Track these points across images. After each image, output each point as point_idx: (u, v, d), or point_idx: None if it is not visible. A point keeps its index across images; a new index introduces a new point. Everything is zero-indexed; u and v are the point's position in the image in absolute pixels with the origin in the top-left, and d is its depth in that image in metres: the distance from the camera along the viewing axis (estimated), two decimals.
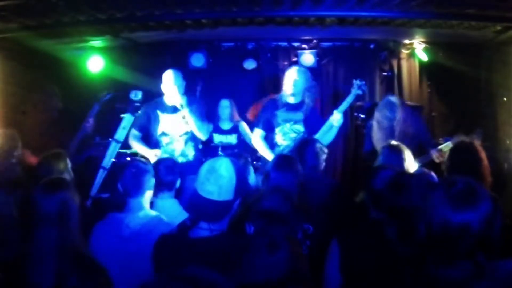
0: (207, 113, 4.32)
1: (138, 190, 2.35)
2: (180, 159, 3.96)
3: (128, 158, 5.08)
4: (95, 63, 5.41)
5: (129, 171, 2.39)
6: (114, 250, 2.08)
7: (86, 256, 1.83)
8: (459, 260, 1.29)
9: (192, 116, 3.89)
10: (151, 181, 2.44)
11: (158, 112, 4.02)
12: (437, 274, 1.31)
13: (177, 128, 4.00)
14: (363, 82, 3.99)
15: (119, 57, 5.56)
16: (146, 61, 5.59)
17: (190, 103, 3.93)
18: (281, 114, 3.96)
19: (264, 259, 1.46)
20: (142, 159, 2.70)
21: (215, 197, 1.71)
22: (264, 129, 4.03)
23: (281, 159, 2.49)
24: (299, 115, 3.95)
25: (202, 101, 4.42)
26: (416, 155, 3.76)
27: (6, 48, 4.35)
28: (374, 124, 4.03)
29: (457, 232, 1.27)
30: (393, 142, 3.18)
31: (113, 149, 4.19)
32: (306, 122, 3.95)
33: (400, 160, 2.93)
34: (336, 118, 3.87)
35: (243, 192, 1.81)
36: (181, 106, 3.85)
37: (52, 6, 3.57)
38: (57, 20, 4.02)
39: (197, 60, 5.68)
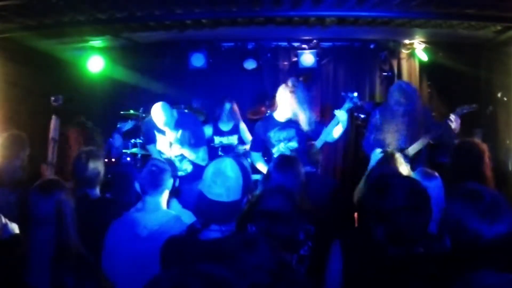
0: (206, 120, 4.39)
1: (156, 189, 2.32)
2: (180, 173, 3.96)
3: (128, 158, 5.12)
4: (95, 63, 5.41)
5: (148, 170, 2.36)
6: (131, 250, 2.07)
7: (83, 256, 1.83)
8: (490, 272, 1.28)
9: (185, 148, 3.92)
10: (170, 180, 2.41)
11: (155, 131, 4.09)
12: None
13: (171, 149, 4.04)
14: (356, 95, 3.92)
15: (119, 57, 5.57)
16: (146, 61, 5.59)
17: (182, 126, 3.93)
18: (274, 135, 3.93)
19: (246, 260, 1.44)
20: (161, 159, 2.66)
21: (224, 198, 1.71)
22: (260, 151, 4.07)
23: (282, 159, 2.48)
24: (291, 132, 3.91)
25: (195, 118, 4.43)
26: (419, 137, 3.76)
27: (6, 48, 4.34)
28: (382, 113, 3.94)
29: (489, 244, 1.27)
30: (386, 149, 3.16)
31: (53, 147, 4.27)
32: (299, 137, 3.90)
33: (392, 166, 2.90)
34: (342, 114, 3.81)
35: (249, 190, 1.80)
36: (171, 144, 3.91)
37: (52, 6, 3.58)
38: (57, 20, 4.02)
39: (197, 60, 5.68)
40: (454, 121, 3.71)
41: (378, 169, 2.78)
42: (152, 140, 4.15)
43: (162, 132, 3.98)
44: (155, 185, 2.32)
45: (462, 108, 3.79)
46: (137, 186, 2.38)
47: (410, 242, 1.68)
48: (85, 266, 1.79)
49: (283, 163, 2.37)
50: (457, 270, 1.33)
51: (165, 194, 2.39)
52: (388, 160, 2.94)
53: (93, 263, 1.84)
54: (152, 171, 2.35)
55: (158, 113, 3.81)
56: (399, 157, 2.96)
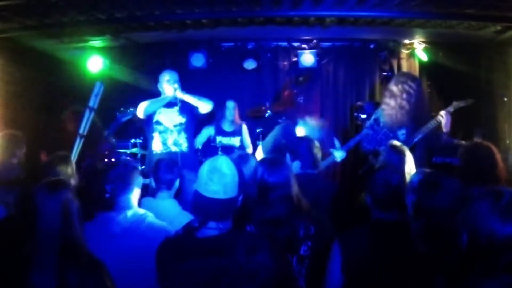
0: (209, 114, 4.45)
1: (126, 188, 2.35)
2: (174, 148, 4.14)
3: (128, 158, 5.12)
4: (95, 63, 5.42)
5: (116, 170, 2.39)
6: (105, 249, 2.08)
7: (88, 254, 1.84)
8: (501, 273, 1.30)
9: (189, 95, 4.10)
10: (139, 179, 2.44)
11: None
12: (478, 285, 1.31)
13: (171, 120, 4.17)
14: (338, 144, 4.07)
15: (119, 57, 5.57)
16: (146, 61, 5.60)
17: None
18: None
19: (244, 261, 1.44)
20: (128, 158, 2.68)
21: (221, 196, 1.71)
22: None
23: (269, 161, 2.32)
24: None
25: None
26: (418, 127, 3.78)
27: (6, 48, 4.35)
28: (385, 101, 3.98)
29: (503, 244, 1.29)
30: (395, 142, 3.17)
31: (88, 116, 4.44)
32: None
33: (401, 160, 2.92)
34: (340, 155, 3.98)
35: (244, 187, 1.80)
36: (175, 90, 4.03)
37: (52, 6, 3.58)
38: (57, 20, 4.03)
39: (197, 60, 5.68)
40: (444, 117, 3.74)
41: (389, 162, 2.81)
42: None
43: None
44: (124, 184, 2.34)
45: (458, 102, 3.82)
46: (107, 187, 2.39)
47: (445, 241, 1.69)
48: (89, 264, 1.80)
49: (271, 165, 2.20)
50: (471, 269, 1.34)
51: (135, 193, 2.40)
52: (397, 152, 2.96)
53: (97, 261, 1.85)
54: (120, 171, 2.37)
55: (167, 72, 4.19)
56: (408, 153, 2.98)
